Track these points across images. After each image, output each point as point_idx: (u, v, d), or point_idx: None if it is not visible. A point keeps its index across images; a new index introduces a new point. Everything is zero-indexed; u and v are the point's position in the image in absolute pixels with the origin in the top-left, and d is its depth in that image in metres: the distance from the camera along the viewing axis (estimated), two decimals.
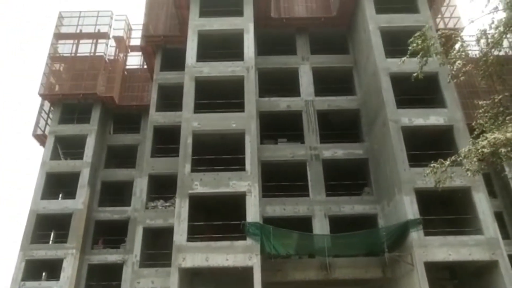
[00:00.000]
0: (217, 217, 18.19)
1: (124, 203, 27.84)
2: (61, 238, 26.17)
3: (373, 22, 21.97)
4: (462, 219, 17.38)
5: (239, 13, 22.65)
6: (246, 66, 20.94)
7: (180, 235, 16.79)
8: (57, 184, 27.89)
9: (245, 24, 22.24)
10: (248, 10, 22.77)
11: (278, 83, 24.04)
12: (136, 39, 32.40)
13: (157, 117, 24.19)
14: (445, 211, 18.27)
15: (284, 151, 21.47)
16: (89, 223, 26.93)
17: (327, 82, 23.74)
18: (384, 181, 19.54)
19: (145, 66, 29.93)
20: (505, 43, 9.33)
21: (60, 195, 28.66)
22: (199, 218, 18.16)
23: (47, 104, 31.32)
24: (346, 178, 20.96)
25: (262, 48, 24.52)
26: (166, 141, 23.14)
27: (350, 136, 22.51)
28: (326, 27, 25.41)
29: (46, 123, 30.96)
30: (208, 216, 19.01)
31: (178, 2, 23.79)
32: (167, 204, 21.80)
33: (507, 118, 9.35)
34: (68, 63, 30.51)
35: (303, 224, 19.27)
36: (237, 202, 17.61)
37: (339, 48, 25.21)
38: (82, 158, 27.79)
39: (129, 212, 27.21)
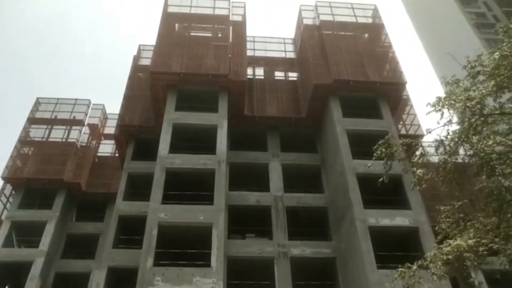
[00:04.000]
0: None
1: None
2: None
3: (340, 125, 23.25)
4: None
5: (214, 109, 23.62)
6: (218, 160, 21.29)
7: None
8: (5, 275, 25.80)
9: (219, 120, 23.08)
10: (223, 107, 23.81)
11: (248, 177, 24.35)
12: (110, 128, 32.80)
13: (123, 206, 23.61)
14: None
15: (252, 247, 21.02)
16: None
17: (296, 179, 24.22)
18: (352, 282, 19.12)
19: (117, 155, 29.92)
20: (462, 150, 9.98)
21: None
22: None
23: (8, 188, 30.21)
24: (314, 278, 20.42)
25: (234, 143, 25.23)
26: (130, 232, 22.35)
27: (319, 234, 22.44)
28: (296, 127, 26.66)
29: (5, 207, 29.55)
30: None
31: (155, 95, 24.73)
32: None
33: (468, 224, 9.69)
34: (38, 148, 30.23)
35: None
36: None
37: (308, 147, 26.21)
38: (37, 247, 26.18)
39: None
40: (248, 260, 20.61)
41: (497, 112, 9.51)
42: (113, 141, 31.10)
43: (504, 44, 9.49)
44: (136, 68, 30.18)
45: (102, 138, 33.95)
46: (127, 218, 23.22)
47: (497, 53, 9.36)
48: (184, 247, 18.54)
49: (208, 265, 17.57)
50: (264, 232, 21.89)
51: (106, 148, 33.64)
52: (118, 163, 29.68)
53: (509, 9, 42.37)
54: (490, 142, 8.60)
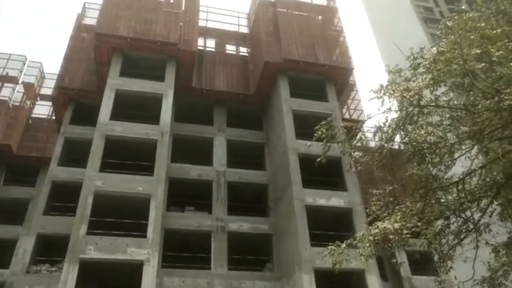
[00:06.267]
0: (109, 287, 16.71)
1: (1, 265, 24.48)
2: None
3: (287, 105, 23.48)
4: None
5: (161, 78, 22.92)
6: (161, 130, 20.81)
7: None
8: None
9: (165, 90, 22.45)
10: (170, 76, 23.15)
11: (191, 150, 24.10)
12: (48, 89, 30.83)
13: (57, 172, 22.54)
14: None
15: (190, 220, 20.99)
16: None
17: (240, 155, 24.32)
18: (285, 258, 19.74)
19: (54, 117, 28.31)
20: (398, 138, 10.40)
21: None
22: (88, 287, 16.53)
23: None
24: (250, 253, 20.84)
25: (179, 114, 24.74)
26: (64, 199, 21.40)
27: (257, 210, 22.81)
28: (243, 103, 26.58)
29: None
30: (100, 286, 17.43)
31: (99, 58, 23.53)
32: (53, 269, 19.61)
33: (396, 207, 10.22)
34: None
35: None
36: (133, 271, 16.45)
37: (254, 124, 26.29)
38: None
39: (5, 275, 23.87)
40: (185, 233, 20.59)
41: (433, 104, 9.96)
42: (50, 103, 29.34)
43: (443, 41, 9.92)
44: (80, 27, 28.41)
45: (38, 98, 31.90)
46: (61, 184, 22.23)
47: (435, 48, 9.77)
48: (120, 217, 18.17)
49: (144, 236, 17.35)
50: (204, 206, 21.90)
51: (43, 109, 31.68)
52: (54, 126, 28.11)
53: (453, 7, 44.45)
54: (422, 132, 9.01)
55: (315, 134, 10.13)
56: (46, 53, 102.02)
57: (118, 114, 21.11)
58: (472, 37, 9.25)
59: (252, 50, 29.50)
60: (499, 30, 9.24)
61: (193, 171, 22.81)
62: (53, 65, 53.21)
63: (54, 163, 22.80)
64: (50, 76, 32.04)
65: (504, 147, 9.94)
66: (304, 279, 17.30)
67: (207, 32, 30.16)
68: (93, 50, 23.73)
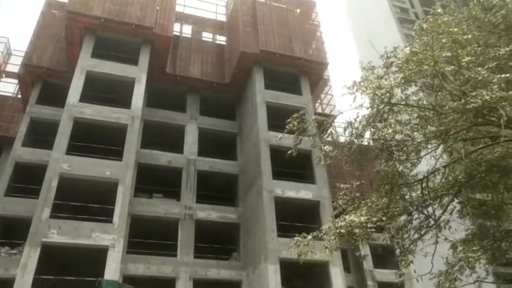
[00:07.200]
0: (72, 272, 16.41)
1: None
2: None
3: (261, 96, 23.49)
4: None
5: (134, 62, 22.44)
6: (132, 115, 20.44)
7: None
8: None
9: (138, 74, 22.02)
10: (144, 60, 22.70)
11: (162, 137, 23.85)
12: (15, 66, 29.58)
13: (21, 153, 21.82)
14: (306, 283, 19.12)
15: (158, 207, 20.82)
16: None
17: (212, 144, 24.24)
18: (252, 248, 19.92)
19: (19, 96, 27.28)
20: (368, 134, 10.62)
21: None
22: (50, 271, 16.18)
23: None
24: (217, 242, 20.91)
25: (152, 100, 24.36)
26: (28, 181, 20.78)
27: (227, 199, 22.85)
28: (217, 92, 26.42)
29: None
30: (62, 270, 17.09)
31: (70, 37, 22.80)
32: (13, 251, 19.07)
33: (362, 202, 10.48)
34: None
35: (167, 285, 18.42)
36: (97, 256, 16.20)
37: (227, 113, 26.19)
38: None
39: None
40: (152, 219, 20.42)
41: (403, 103, 10.21)
42: (16, 81, 28.22)
43: (416, 42, 10.17)
44: (51, 3, 27.38)
45: (3, 75, 30.61)
46: (25, 165, 21.56)
47: (408, 48, 10.01)
48: (86, 202, 17.87)
49: (110, 221, 17.09)
50: (173, 193, 21.74)
51: (8, 87, 30.42)
52: (20, 105, 27.10)
53: (428, 9, 45.30)
54: (391, 130, 9.24)
55: (287, 127, 10.22)
56: (14, 29, 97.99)
57: (88, 96, 20.57)
58: (444, 40, 9.52)
59: (229, 39, 29.28)
60: (469, 36, 9.55)
61: (163, 158, 22.57)
62: (21, 42, 51.09)
63: (18, 143, 22.05)
64: (17, 53, 30.78)
65: (467, 148, 10.33)
66: (269, 269, 17.52)
67: (183, 18, 29.71)
68: (64, 28, 22.94)
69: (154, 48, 23.45)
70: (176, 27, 27.91)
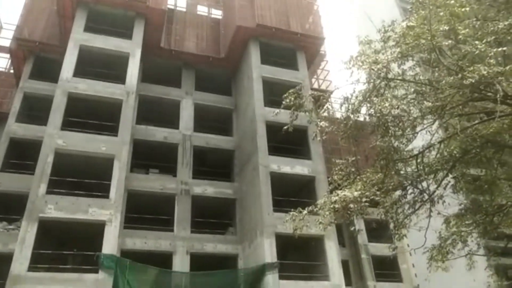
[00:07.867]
0: (70, 247, 16.59)
1: None
2: None
3: (257, 71, 23.27)
4: (314, 265, 18.66)
5: (128, 36, 22.07)
6: (127, 91, 20.24)
7: (20, 263, 14.82)
8: None
9: (132, 48, 21.69)
10: (138, 35, 22.32)
11: (158, 113, 23.69)
12: (6, 40, 29.04)
13: (15, 128, 21.68)
14: (301, 257, 19.44)
15: (154, 183, 20.89)
16: None
17: (207, 120, 24.16)
18: (248, 223, 20.14)
19: (12, 71, 26.90)
20: (364, 109, 10.60)
21: None
22: (48, 246, 16.35)
23: None
24: (213, 216, 21.11)
25: (147, 75, 24.09)
26: (23, 156, 20.75)
27: (223, 175, 22.93)
28: (213, 67, 26.12)
29: None
30: (60, 245, 17.27)
31: (62, 11, 22.31)
32: (11, 226, 19.18)
33: (357, 177, 10.55)
34: None
35: (164, 260, 18.65)
36: (95, 231, 16.35)
37: (223, 89, 25.99)
38: None
39: None
40: (149, 195, 20.52)
41: (399, 78, 10.15)
42: (8, 55, 27.76)
43: (414, 16, 10.02)
44: None
45: None
46: (19, 141, 21.47)
47: (405, 22, 9.87)
48: (83, 178, 17.88)
49: (106, 196, 17.16)
50: (169, 169, 21.78)
51: (0, 62, 29.97)
52: (13, 80, 26.76)
53: None
54: (387, 105, 9.20)
55: (283, 102, 10.18)
56: (4, 1, 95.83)
57: (81, 71, 20.30)
58: (441, 13, 9.37)
59: (224, 13, 28.76)
60: (467, 8, 9.40)
61: (159, 134, 22.50)
62: (11, 15, 49.95)
63: (12, 119, 21.87)
64: (8, 27, 30.16)
65: (463, 123, 10.35)
66: (265, 243, 17.75)
67: None
68: (56, 1, 22.43)
69: (148, 22, 23.02)
70: (171, 1, 27.37)
